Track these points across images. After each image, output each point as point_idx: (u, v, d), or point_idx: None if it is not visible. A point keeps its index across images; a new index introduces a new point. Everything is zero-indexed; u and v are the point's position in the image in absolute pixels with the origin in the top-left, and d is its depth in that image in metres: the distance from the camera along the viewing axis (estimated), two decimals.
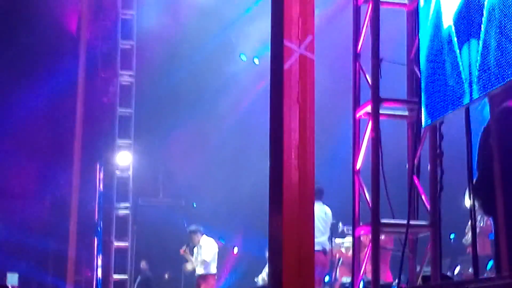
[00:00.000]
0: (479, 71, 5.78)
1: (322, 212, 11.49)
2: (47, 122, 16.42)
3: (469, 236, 10.88)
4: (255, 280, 14.51)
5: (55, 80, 15.64)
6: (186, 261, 13.58)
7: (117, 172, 15.58)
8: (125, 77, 15.71)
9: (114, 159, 15.61)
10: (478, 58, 5.77)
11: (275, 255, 5.77)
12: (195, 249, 13.39)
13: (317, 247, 11.10)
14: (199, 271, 13.05)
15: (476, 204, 6.47)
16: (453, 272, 12.01)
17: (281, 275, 5.49)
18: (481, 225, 9.99)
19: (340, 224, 13.02)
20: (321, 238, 11.26)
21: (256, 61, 16.42)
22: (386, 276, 11.02)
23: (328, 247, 11.58)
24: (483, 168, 6.36)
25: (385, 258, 11.07)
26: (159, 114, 17.44)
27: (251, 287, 12.50)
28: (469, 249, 10.79)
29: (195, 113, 17.17)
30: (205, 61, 16.82)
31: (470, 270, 10.83)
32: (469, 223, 7.85)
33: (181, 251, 13.46)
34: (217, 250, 13.25)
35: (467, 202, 8.17)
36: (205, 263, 12.93)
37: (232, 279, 17.95)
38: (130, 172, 15.66)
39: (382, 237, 10.05)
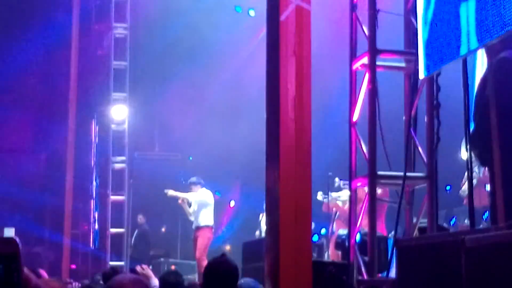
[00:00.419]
0: (476, 21, 5.72)
1: None
2: (41, 76, 16.34)
3: (465, 187, 10.90)
4: (256, 234, 14.58)
5: (48, 34, 15.52)
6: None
7: (113, 126, 15.56)
8: (119, 30, 15.59)
9: (109, 113, 15.57)
10: (476, 8, 5.71)
11: (272, 207, 5.77)
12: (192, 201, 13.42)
13: None
14: (195, 223, 13.09)
15: (473, 155, 6.47)
16: (449, 224, 12.07)
17: (278, 227, 5.50)
18: (480, 175, 9.99)
19: (337, 179, 13.08)
20: None
21: (252, 13, 16.28)
22: (381, 229, 11.07)
23: None
24: (479, 118, 6.34)
25: (380, 211, 11.11)
26: (154, 67, 17.34)
27: (247, 240, 12.55)
28: (466, 200, 10.82)
29: (191, 66, 17.07)
30: (200, 13, 16.68)
31: (466, 221, 10.89)
32: (466, 174, 7.85)
33: (179, 201, 13.50)
34: (213, 202, 13.27)
35: (464, 153, 8.18)
36: (198, 212, 12.90)
37: (229, 232, 18.06)
38: (126, 126, 15.64)
39: (379, 190, 10.10)
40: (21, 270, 1.54)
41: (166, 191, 13.62)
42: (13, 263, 1.53)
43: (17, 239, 1.57)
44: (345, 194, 12.75)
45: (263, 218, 13.90)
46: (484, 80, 6.37)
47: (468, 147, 6.37)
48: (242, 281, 5.43)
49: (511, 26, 5.29)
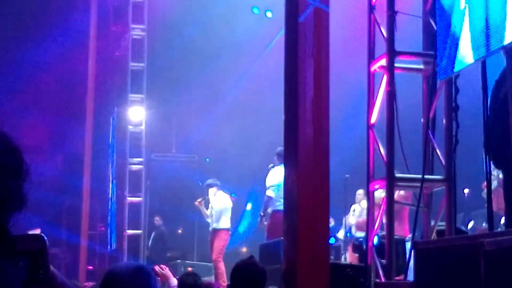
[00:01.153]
0: (497, 22, 5.69)
1: None
2: (59, 77, 16.40)
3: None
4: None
5: (66, 34, 15.58)
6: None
7: (130, 127, 15.59)
8: (137, 31, 15.63)
9: (126, 114, 15.61)
10: (496, 8, 5.68)
11: (290, 209, 5.76)
12: (210, 204, 13.42)
13: (281, 207, 11.52)
14: (212, 225, 13.08)
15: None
16: (467, 227, 12.01)
17: (296, 229, 5.48)
18: (499, 177, 9.92)
19: (360, 191, 13.04)
20: None
21: (269, 14, 16.25)
22: (404, 231, 11.03)
23: None
24: (493, 121, 6.31)
25: (402, 213, 11.07)
26: (172, 68, 17.34)
27: (264, 242, 12.53)
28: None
29: (208, 67, 17.07)
30: (218, 14, 16.68)
31: (484, 224, 10.83)
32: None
33: (196, 202, 13.50)
34: (231, 205, 13.24)
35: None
36: (216, 215, 12.92)
37: (246, 234, 18.03)
38: (143, 127, 15.67)
39: (402, 192, 10.07)
40: (47, 267, 1.54)
41: (196, 202, 13.58)
42: (40, 260, 1.53)
43: (44, 237, 1.58)
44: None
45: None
46: (498, 82, 6.33)
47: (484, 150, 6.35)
48: None
49: None
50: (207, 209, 13.35)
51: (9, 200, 1.51)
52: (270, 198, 11.87)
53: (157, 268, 6.62)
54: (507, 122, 6.08)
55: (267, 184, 11.95)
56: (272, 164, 12.01)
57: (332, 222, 12.96)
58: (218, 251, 12.73)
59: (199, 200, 13.50)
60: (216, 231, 12.98)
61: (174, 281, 6.45)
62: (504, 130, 6.13)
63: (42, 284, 1.53)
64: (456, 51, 6.47)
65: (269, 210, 11.87)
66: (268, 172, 12.06)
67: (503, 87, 6.20)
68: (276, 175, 11.68)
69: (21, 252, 1.53)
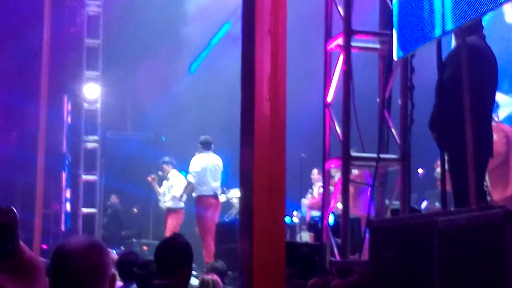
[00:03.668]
0: (452, 2, 5.72)
1: (213, 161, 12.27)
2: (12, 53, 16.10)
3: (439, 169, 10.97)
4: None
5: (19, 9, 15.30)
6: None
7: (85, 105, 15.44)
8: (93, 7, 15.44)
9: (81, 91, 15.44)
10: None
11: (246, 187, 5.74)
12: (164, 182, 13.36)
13: (208, 192, 11.96)
14: (168, 204, 13.05)
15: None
16: (420, 206, 12.13)
17: (252, 207, 5.47)
18: None
19: (315, 171, 13.19)
20: (213, 184, 12.12)
21: None
22: (361, 210, 11.10)
23: (219, 192, 12.40)
24: (438, 102, 6.38)
25: (360, 192, 11.13)
26: (128, 45, 17.19)
27: (223, 221, 12.55)
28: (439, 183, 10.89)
29: (165, 44, 16.94)
30: None
31: (437, 204, 10.94)
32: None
33: (149, 178, 13.48)
34: (185, 184, 13.24)
35: None
36: (174, 199, 12.96)
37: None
38: (98, 105, 15.53)
39: (356, 172, 10.13)
40: (17, 241, 1.51)
41: (149, 177, 13.60)
42: (10, 234, 1.50)
43: (15, 210, 1.54)
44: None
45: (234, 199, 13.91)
46: (443, 64, 6.37)
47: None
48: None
49: (485, 8, 5.29)
50: (160, 187, 13.34)
51: None
52: (189, 183, 12.33)
53: None
54: (450, 103, 6.15)
55: (190, 169, 12.36)
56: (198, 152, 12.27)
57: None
58: (171, 229, 12.74)
59: (152, 176, 13.47)
60: (170, 210, 12.99)
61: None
62: (447, 110, 6.20)
63: (10, 257, 1.49)
64: (412, 31, 6.50)
65: (194, 194, 12.17)
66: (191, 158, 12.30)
67: (448, 68, 6.27)
68: (199, 162, 12.20)
69: None
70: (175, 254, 4.75)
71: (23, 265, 1.53)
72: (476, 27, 6.22)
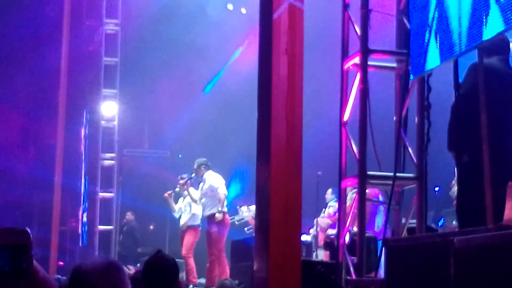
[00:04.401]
0: (469, 22, 5.73)
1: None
2: (31, 71, 16.25)
3: (455, 188, 10.93)
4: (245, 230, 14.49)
5: (39, 29, 15.45)
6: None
7: (103, 122, 15.52)
8: (111, 26, 15.56)
9: (99, 109, 15.53)
10: (469, 8, 5.72)
11: (262, 206, 5.76)
12: (180, 199, 13.37)
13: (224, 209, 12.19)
14: (184, 221, 13.03)
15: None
16: (437, 225, 12.08)
17: (268, 225, 5.49)
18: None
19: (329, 191, 13.21)
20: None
21: (243, 10, 16.25)
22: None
23: None
24: (453, 120, 6.38)
25: (373, 211, 11.10)
26: (145, 63, 17.28)
27: (239, 239, 12.55)
28: (456, 202, 10.84)
29: (182, 63, 17.02)
30: (193, 10, 16.64)
31: (454, 222, 10.89)
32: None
33: (166, 194, 13.48)
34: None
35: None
36: (194, 216, 12.93)
37: None
38: (116, 123, 15.60)
39: (367, 190, 10.10)
40: (30, 261, 1.53)
41: (166, 194, 13.65)
42: (24, 254, 1.52)
43: (29, 230, 1.57)
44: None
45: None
46: (460, 84, 6.38)
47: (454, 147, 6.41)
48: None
49: (502, 27, 5.30)
50: (175, 203, 13.34)
51: None
52: (225, 195, 12.52)
53: None
54: (464, 120, 6.14)
55: (220, 184, 12.50)
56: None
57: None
58: (188, 246, 12.73)
59: (169, 192, 13.47)
60: (189, 227, 12.98)
61: None
62: (461, 129, 6.20)
63: (24, 277, 1.51)
64: (428, 50, 6.51)
65: (208, 212, 12.31)
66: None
67: (464, 84, 6.28)
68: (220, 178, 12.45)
69: (4, 245, 1.52)
70: (164, 273, 4.75)
71: (36, 285, 1.55)
72: (498, 50, 6.21)
